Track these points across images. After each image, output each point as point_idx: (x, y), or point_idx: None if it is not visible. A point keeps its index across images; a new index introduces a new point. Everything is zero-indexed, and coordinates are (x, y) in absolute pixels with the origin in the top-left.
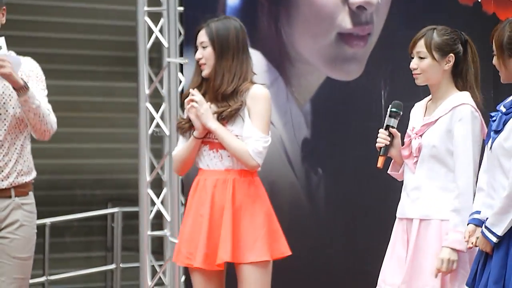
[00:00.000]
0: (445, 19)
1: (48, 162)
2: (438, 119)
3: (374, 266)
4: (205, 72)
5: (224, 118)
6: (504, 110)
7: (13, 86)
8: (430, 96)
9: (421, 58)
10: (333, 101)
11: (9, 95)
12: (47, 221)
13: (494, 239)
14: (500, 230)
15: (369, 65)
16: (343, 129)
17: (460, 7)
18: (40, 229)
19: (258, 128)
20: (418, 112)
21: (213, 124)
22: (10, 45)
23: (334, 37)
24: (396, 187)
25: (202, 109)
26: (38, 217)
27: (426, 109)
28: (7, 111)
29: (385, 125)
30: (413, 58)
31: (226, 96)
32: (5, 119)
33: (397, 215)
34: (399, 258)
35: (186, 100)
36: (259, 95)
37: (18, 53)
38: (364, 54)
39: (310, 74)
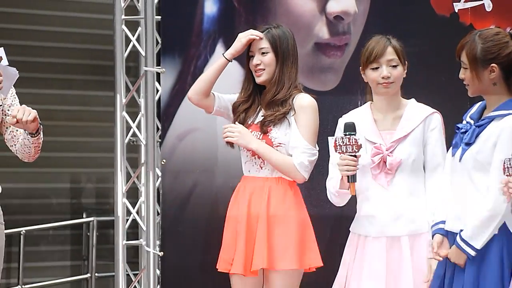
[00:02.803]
0: (422, 29)
1: (23, 170)
2: (410, 132)
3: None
4: (263, 78)
5: (270, 123)
6: (472, 121)
7: (30, 131)
8: (366, 107)
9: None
10: None
11: None
12: (22, 229)
13: (473, 253)
14: (479, 244)
15: (346, 75)
16: (319, 140)
17: (437, 17)
18: (15, 237)
19: (305, 138)
20: (367, 126)
21: (254, 144)
22: None
23: (311, 47)
24: None
25: (236, 137)
26: (14, 226)
27: (375, 122)
28: None
29: (356, 153)
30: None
31: (279, 103)
32: None
33: (371, 234)
34: (378, 278)
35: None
36: (307, 105)
37: None
38: (341, 64)
39: None
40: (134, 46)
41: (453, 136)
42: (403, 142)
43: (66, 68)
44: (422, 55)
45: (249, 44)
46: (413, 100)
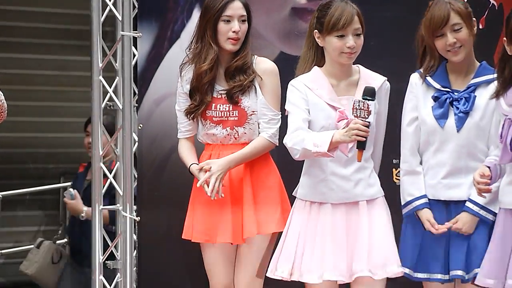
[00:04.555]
0: None
1: (0, 135)
2: None
3: None
4: (238, 46)
5: (239, 93)
6: (447, 89)
7: None
8: (318, 72)
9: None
10: (286, 75)
11: None
12: None
13: (493, 218)
14: (497, 208)
15: None
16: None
17: None
18: None
19: (272, 105)
20: (326, 91)
21: (232, 164)
22: None
23: (289, 11)
24: None
25: (217, 173)
26: None
27: (333, 87)
28: None
29: (369, 119)
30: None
31: (243, 70)
32: None
33: (330, 200)
34: (341, 245)
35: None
36: (271, 70)
37: None
38: None
39: (264, 48)
40: (110, 10)
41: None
42: None
43: (43, 33)
44: (399, 20)
45: (224, 7)
46: (359, 65)
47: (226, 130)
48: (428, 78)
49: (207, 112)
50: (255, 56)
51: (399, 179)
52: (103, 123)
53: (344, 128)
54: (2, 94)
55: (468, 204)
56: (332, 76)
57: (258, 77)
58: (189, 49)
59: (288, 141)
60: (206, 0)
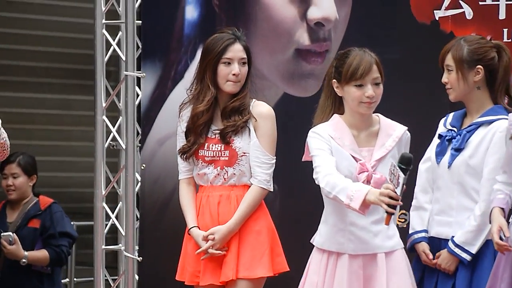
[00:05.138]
0: (403, 37)
1: None
2: (391, 150)
3: None
4: (237, 88)
5: (232, 133)
6: (455, 129)
7: None
8: (340, 120)
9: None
10: (290, 117)
11: None
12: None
13: (468, 258)
14: (475, 249)
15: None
16: (299, 146)
17: (418, 25)
18: None
19: (266, 148)
20: (349, 141)
21: (234, 230)
22: None
23: (292, 53)
24: None
25: (220, 243)
26: None
27: (354, 138)
28: None
29: (401, 192)
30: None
31: (239, 111)
32: None
33: (348, 251)
34: None
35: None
36: (268, 114)
37: None
38: (321, 71)
39: (268, 89)
40: (114, 50)
41: (428, 144)
42: (383, 160)
43: (46, 72)
44: (403, 62)
45: (224, 49)
46: (379, 114)
47: (217, 170)
48: (449, 119)
49: (199, 151)
50: (254, 99)
51: (401, 222)
52: (20, 164)
53: (364, 180)
54: (5, 133)
55: (449, 241)
56: (353, 126)
57: (252, 119)
58: (190, 90)
59: (320, 180)
60: (206, 42)
